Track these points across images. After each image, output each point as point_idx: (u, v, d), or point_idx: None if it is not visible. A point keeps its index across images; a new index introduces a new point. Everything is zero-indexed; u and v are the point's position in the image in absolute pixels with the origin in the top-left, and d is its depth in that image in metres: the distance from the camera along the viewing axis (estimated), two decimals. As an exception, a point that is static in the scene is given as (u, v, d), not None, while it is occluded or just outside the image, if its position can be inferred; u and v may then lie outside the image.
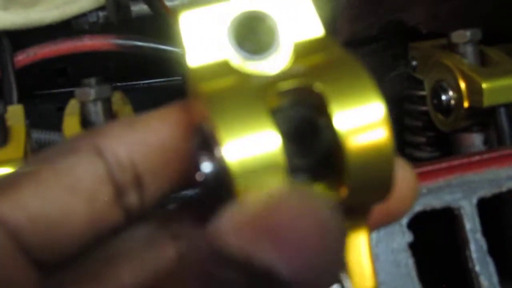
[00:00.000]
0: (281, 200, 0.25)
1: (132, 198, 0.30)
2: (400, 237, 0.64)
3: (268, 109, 0.27)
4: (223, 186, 0.27)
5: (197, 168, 0.28)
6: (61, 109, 1.11)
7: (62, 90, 1.12)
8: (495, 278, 0.64)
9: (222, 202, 0.27)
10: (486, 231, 0.66)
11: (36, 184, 0.29)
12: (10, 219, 0.28)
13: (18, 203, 0.28)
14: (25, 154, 0.62)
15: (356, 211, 0.30)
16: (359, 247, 0.31)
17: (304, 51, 0.30)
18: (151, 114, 0.31)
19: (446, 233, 0.67)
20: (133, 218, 0.31)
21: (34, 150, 0.67)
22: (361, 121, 0.27)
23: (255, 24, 0.30)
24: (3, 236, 0.28)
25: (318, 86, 0.27)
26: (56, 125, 0.96)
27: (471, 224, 0.65)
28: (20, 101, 0.93)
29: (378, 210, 0.31)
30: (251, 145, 0.26)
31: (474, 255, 0.65)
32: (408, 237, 0.64)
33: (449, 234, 0.67)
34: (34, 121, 0.69)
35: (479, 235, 0.65)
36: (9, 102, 0.87)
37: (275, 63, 0.30)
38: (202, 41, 0.30)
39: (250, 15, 0.30)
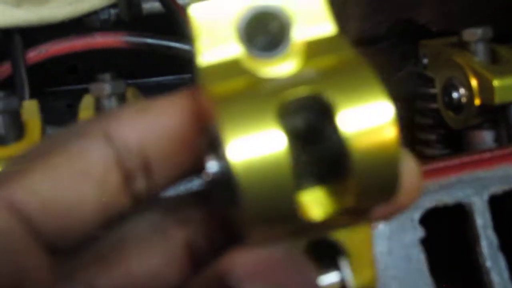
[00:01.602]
0: (285, 263, 0.28)
1: (140, 184, 0.31)
2: (412, 232, 0.64)
3: (277, 112, 0.27)
4: (227, 185, 0.27)
5: (204, 167, 0.28)
6: (71, 106, 1.11)
7: (72, 87, 1.13)
8: (506, 274, 0.65)
9: (228, 200, 0.28)
10: (497, 227, 0.66)
11: (47, 168, 0.29)
12: (23, 205, 0.28)
13: (30, 188, 0.28)
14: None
15: (361, 213, 0.30)
16: (361, 239, 0.31)
17: (315, 50, 0.29)
18: (161, 100, 0.31)
19: (457, 229, 0.68)
20: (140, 203, 0.31)
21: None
22: (367, 122, 0.26)
23: (266, 20, 0.30)
24: (16, 221, 0.28)
25: (328, 95, 0.27)
26: (66, 122, 0.97)
27: (482, 220, 0.66)
28: (31, 98, 0.94)
29: None
30: (256, 145, 0.26)
31: (485, 251, 0.65)
32: (420, 232, 0.64)
33: (460, 230, 0.67)
34: (44, 117, 0.70)
35: (490, 231, 0.66)
36: (21, 99, 0.88)
37: (285, 62, 0.29)
38: (212, 36, 0.30)
39: (261, 11, 0.30)
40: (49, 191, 0.29)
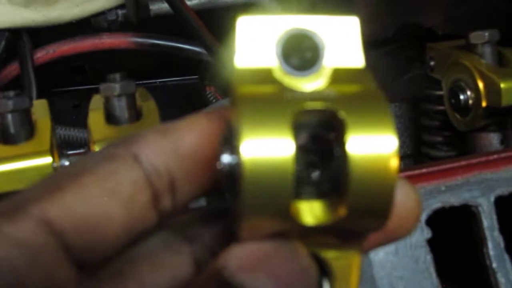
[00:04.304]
0: (276, 253, 0.30)
1: (167, 202, 0.33)
2: (418, 233, 0.64)
3: (293, 121, 0.29)
4: (234, 177, 0.30)
5: (218, 158, 0.31)
6: (77, 106, 1.12)
7: (78, 87, 1.13)
8: (512, 275, 0.65)
9: (231, 192, 0.30)
10: (504, 229, 0.66)
11: (78, 188, 0.31)
12: (56, 221, 0.30)
13: (63, 206, 0.30)
14: (51, 148, 0.63)
15: (352, 237, 0.32)
16: (349, 264, 0.33)
17: (341, 78, 0.32)
18: (181, 123, 0.33)
19: (464, 230, 0.68)
20: (164, 220, 0.34)
21: (58, 145, 0.68)
22: (373, 150, 0.29)
23: (303, 42, 0.32)
24: (49, 236, 0.30)
25: (342, 114, 0.30)
26: (72, 122, 0.97)
27: (489, 221, 0.66)
28: (38, 97, 0.94)
29: None
30: (267, 147, 0.29)
31: (491, 252, 0.65)
32: (427, 233, 0.65)
33: (467, 231, 0.67)
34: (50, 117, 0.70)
35: (496, 233, 0.66)
36: (28, 98, 0.88)
37: (312, 82, 0.32)
38: (252, 46, 0.32)
39: (300, 33, 0.32)
40: (79, 209, 0.31)
